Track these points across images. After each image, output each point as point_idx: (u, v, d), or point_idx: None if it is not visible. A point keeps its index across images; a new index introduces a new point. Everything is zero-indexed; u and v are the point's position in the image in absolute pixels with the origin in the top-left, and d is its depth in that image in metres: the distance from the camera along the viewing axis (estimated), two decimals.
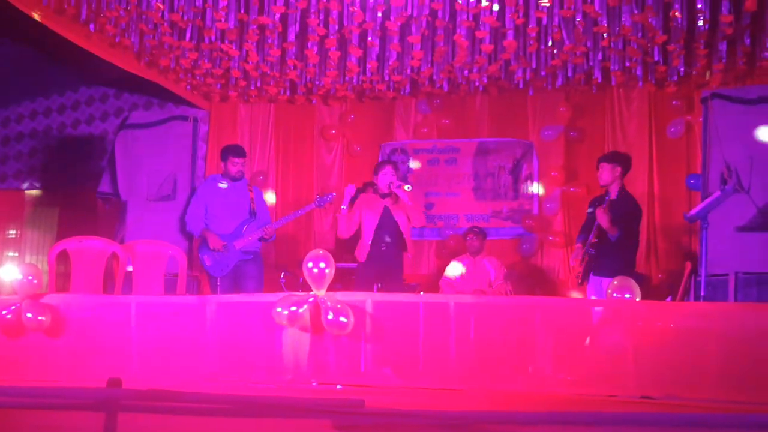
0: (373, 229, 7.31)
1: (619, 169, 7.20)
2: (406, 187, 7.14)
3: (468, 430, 3.21)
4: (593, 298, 6.85)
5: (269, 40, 8.16)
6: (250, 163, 10.24)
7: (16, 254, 10.73)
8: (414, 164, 10.23)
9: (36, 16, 7.36)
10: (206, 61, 8.75)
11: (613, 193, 7.06)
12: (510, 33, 7.60)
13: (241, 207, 7.75)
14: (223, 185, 7.86)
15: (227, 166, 7.82)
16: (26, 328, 5.58)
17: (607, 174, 7.18)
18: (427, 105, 10.25)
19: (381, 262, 7.26)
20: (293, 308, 5.22)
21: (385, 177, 7.33)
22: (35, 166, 10.90)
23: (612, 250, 6.96)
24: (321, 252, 5.46)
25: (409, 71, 8.79)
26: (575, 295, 8.40)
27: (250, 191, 7.86)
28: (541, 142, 9.89)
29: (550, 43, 8.01)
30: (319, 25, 7.68)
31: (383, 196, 7.41)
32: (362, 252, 7.34)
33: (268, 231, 7.60)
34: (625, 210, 7.06)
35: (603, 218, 6.86)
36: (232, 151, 7.91)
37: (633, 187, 8.08)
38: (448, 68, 8.69)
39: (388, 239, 7.31)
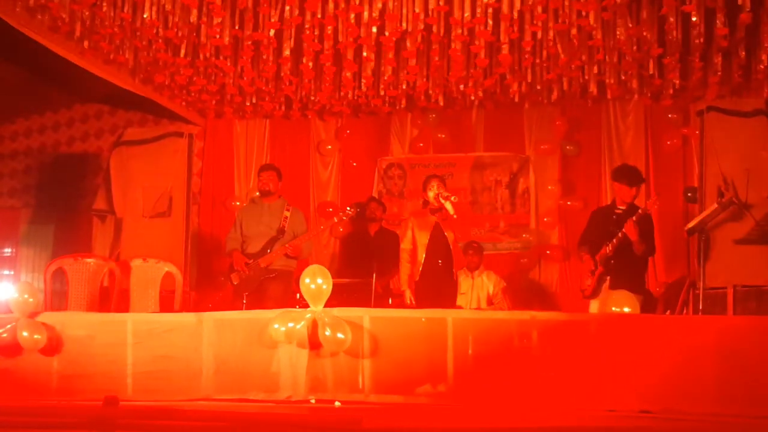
0: (425, 248, 7.10)
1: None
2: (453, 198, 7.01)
3: None
4: None
5: (264, 56, 8.15)
6: (248, 180, 10.26)
7: (12, 273, 10.67)
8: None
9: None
10: (201, 77, 8.74)
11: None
12: (505, 47, 7.60)
13: (270, 226, 7.73)
14: (252, 203, 8.02)
15: (258, 182, 8.00)
16: (22, 346, 5.55)
17: (635, 192, 7.09)
18: (422, 120, 10.24)
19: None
20: (290, 324, 5.19)
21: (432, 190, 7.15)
22: (30, 183, 10.86)
23: (632, 265, 6.82)
24: (318, 267, 5.43)
25: (404, 86, 8.79)
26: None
27: (286, 210, 7.84)
28: (538, 156, 9.90)
29: (545, 57, 8.01)
30: (314, 40, 7.67)
31: (434, 211, 7.19)
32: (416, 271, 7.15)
33: (290, 247, 7.56)
34: (651, 225, 6.98)
35: (633, 232, 6.68)
36: (260, 167, 8.22)
37: None
38: (443, 83, 8.69)
39: (439, 259, 7.10)
